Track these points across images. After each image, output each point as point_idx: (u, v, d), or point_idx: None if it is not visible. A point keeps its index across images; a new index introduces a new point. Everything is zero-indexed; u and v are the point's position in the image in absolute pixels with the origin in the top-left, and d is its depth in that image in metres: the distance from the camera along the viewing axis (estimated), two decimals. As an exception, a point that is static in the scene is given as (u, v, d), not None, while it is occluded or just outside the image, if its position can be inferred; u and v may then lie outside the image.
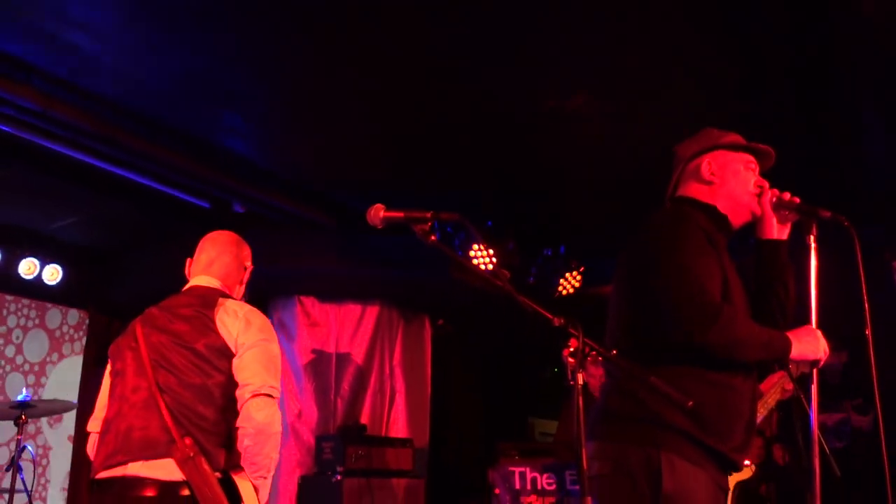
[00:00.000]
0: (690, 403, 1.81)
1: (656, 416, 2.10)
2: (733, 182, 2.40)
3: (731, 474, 2.25)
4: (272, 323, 6.35)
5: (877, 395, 2.32)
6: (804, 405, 3.65)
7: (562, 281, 5.71)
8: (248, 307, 2.57)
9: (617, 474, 2.11)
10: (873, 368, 2.29)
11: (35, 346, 5.73)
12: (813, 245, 2.33)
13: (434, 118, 4.11)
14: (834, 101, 3.88)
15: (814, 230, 2.33)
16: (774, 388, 4.05)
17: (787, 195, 2.38)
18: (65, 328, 5.92)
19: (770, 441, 5.19)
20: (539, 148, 4.43)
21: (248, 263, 2.82)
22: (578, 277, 5.68)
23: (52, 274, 5.45)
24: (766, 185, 2.43)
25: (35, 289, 5.50)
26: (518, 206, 5.26)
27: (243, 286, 2.76)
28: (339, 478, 5.16)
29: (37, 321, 5.73)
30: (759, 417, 3.86)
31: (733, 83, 3.69)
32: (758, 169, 2.47)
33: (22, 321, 5.65)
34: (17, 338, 5.63)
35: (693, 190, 2.43)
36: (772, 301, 2.38)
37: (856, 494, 4.55)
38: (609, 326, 2.35)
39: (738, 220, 2.41)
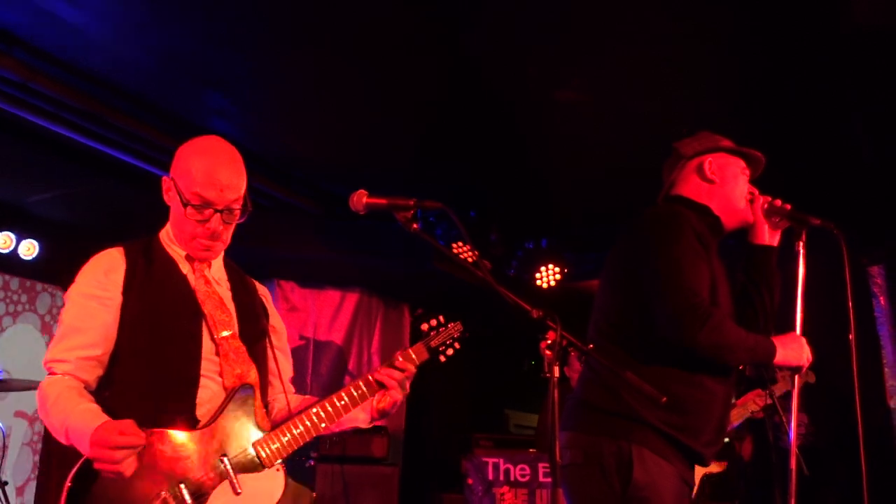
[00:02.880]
0: (664, 399, 1.83)
1: (630, 410, 2.14)
2: (732, 185, 2.44)
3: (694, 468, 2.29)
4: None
5: (857, 400, 2.35)
6: (778, 407, 3.71)
7: (541, 274, 5.73)
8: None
9: (588, 464, 2.15)
10: (855, 373, 2.33)
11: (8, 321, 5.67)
12: (802, 251, 2.36)
13: (421, 107, 4.10)
14: (814, 107, 3.92)
15: (803, 237, 2.36)
16: (746, 404, 4.11)
17: (779, 202, 2.41)
18: (39, 302, 5.86)
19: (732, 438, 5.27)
20: (524, 141, 4.44)
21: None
22: (558, 271, 5.70)
23: (29, 248, 5.39)
24: (756, 192, 2.47)
25: (10, 263, 5.43)
26: (502, 198, 5.27)
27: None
28: (312, 463, 5.16)
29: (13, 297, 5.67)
30: (730, 426, 3.93)
31: (718, 80, 3.71)
32: (749, 175, 2.50)
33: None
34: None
35: (692, 188, 2.45)
36: (756, 305, 2.42)
37: (821, 492, 4.63)
38: (594, 318, 2.37)
39: (730, 223, 2.45)
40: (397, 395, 2.12)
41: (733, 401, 4.05)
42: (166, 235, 2.08)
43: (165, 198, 2.05)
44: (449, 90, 3.93)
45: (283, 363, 2.18)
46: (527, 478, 5.09)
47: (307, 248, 5.44)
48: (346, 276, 6.06)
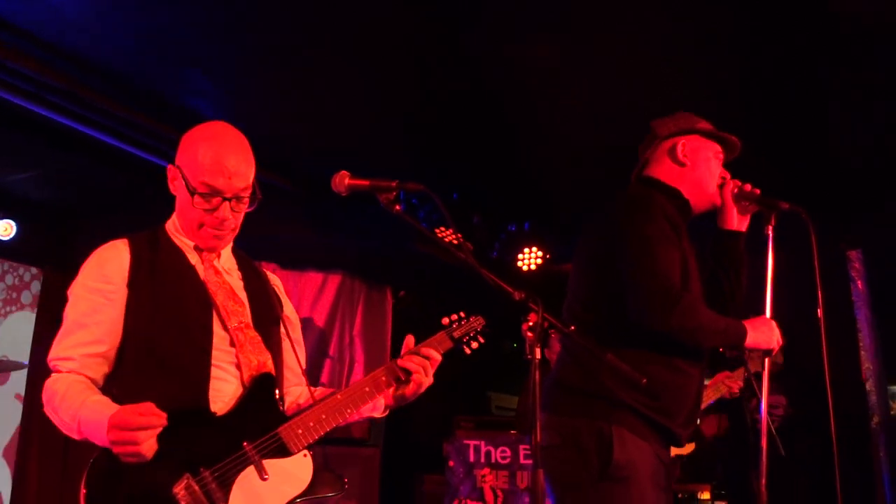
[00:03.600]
0: (644, 381, 1.86)
1: (609, 392, 2.17)
2: (703, 168, 2.46)
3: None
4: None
5: (827, 381, 2.39)
6: (755, 389, 3.77)
7: (523, 256, 5.74)
8: None
9: (567, 445, 2.18)
10: (825, 354, 2.36)
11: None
12: (771, 235, 2.39)
13: (405, 89, 4.08)
14: (794, 91, 3.94)
15: (773, 221, 2.39)
16: (717, 386, 4.18)
17: (748, 186, 2.44)
18: (17, 284, 5.80)
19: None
20: (508, 125, 4.43)
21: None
22: (540, 254, 5.72)
23: (6, 229, 5.33)
24: (728, 176, 2.50)
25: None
26: (484, 181, 5.27)
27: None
28: (294, 445, 5.17)
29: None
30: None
31: (698, 61, 3.72)
32: (723, 159, 2.52)
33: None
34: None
35: (663, 169, 2.47)
36: (724, 289, 2.46)
37: (794, 472, 4.71)
38: (569, 302, 2.39)
39: (698, 206, 2.47)
40: (423, 381, 2.09)
41: (705, 382, 4.12)
42: (173, 226, 2.03)
43: (171, 187, 2.00)
44: (432, 73, 3.91)
45: (299, 353, 2.15)
46: (507, 459, 5.14)
47: (289, 230, 5.42)
48: (328, 258, 6.04)
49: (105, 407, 1.71)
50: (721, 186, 2.47)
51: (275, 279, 2.24)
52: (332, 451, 5.34)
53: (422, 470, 5.99)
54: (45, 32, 3.57)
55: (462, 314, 2.29)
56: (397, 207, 1.88)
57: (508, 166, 5.02)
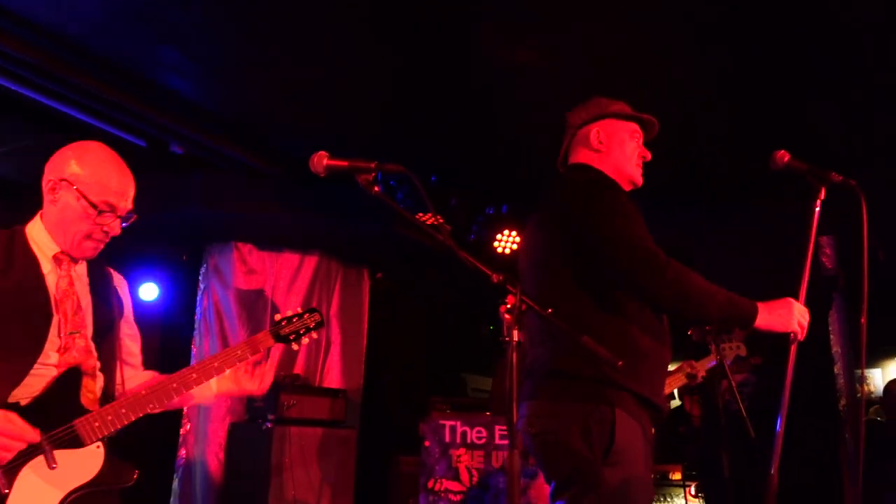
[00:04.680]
0: (620, 363, 1.86)
1: (604, 374, 2.17)
2: (618, 151, 2.49)
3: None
4: (208, 268, 6.26)
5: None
6: (727, 372, 3.81)
7: (500, 239, 5.75)
8: None
9: (567, 431, 2.17)
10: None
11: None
12: (818, 210, 2.37)
13: (383, 70, 4.05)
14: (776, 76, 3.96)
15: (822, 195, 2.37)
16: (678, 374, 4.21)
17: (796, 160, 2.40)
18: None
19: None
20: (486, 107, 4.42)
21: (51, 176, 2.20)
22: (517, 236, 5.73)
23: (-25, 206, 5.23)
24: (649, 154, 2.51)
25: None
26: (463, 163, 5.26)
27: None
28: (269, 425, 5.16)
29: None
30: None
31: (682, 43, 3.73)
32: (642, 138, 2.54)
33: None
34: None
35: (583, 157, 2.51)
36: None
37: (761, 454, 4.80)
38: (534, 288, 2.37)
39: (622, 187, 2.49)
40: (245, 386, 2.34)
41: (669, 368, 4.15)
42: (37, 231, 2.16)
43: (49, 197, 2.15)
44: (412, 56, 3.88)
45: (132, 348, 2.37)
46: (483, 440, 5.17)
47: (265, 210, 5.38)
48: (305, 238, 6.01)
49: None
50: (640, 165, 2.47)
51: (119, 280, 2.39)
52: (307, 432, 5.35)
53: (398, 451, 6.01)
54: (18, 6, 3.49)
55: (298, 311, 2.44)
56: (376, 188, 1.86)
57: (487, 149, 5.02)
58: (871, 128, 4.46)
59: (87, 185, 2.12)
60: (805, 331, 2.23)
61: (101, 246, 2.20)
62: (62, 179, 2.13)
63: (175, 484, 5.55)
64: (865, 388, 8.56)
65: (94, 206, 2.12)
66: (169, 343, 6.15)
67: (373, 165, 1.86)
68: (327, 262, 6.26)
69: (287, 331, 2.41)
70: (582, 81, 4.01)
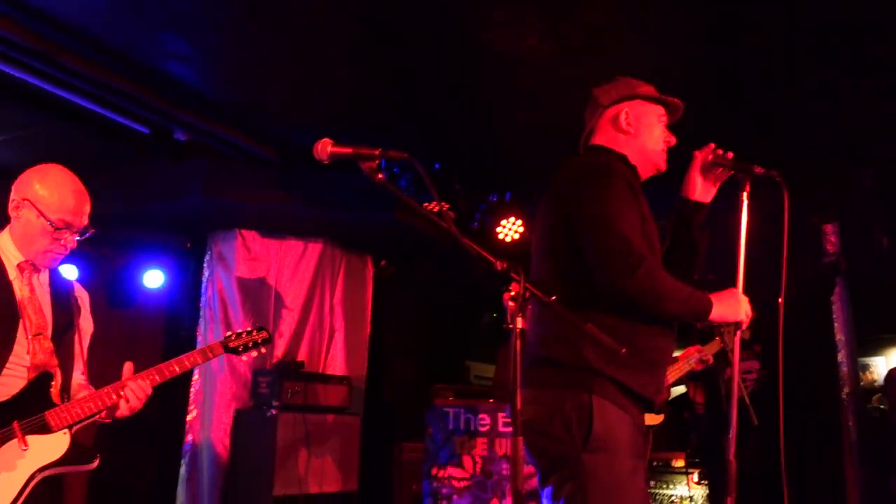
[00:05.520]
0: (624, 350, 1.87)
1: (587, 363, 2.18)
2: (646, 135, 2.45)
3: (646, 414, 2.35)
4: (212, 256, 6.29)
5: (780, 347, 2.41)
6: (729, 358, 3.82)
7: (503, 226, 5.75)
8: None
9: (551, 418, 2.18)
10: (780, 323, 2.38)
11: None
12: (745, 202, 2.38)
13: (385, 58, 4.03)
14: (769, 62, 3.94)
15: (747, 187, 2.38)
16: (689, 359, 4.22)
17: (721, 151, 2.42)
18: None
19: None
20: (488, 92, 4.41)
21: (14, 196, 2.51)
22: (520, 224, 5.73)
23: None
24: (674, 139, 2.49)
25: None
26: (466, 150, 5.25)
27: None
28: (274, 412, 5.19)
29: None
30: (668, 381, 4.02)
31: (682, 32, 3.72)
32: (667, 122, 2.52)
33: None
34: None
35: (609, 138, 2.47)
36: (682, 258, 2.46)
37: (767, 441, 4.81)
38: (536, 272, 2.38)
39: (644, 172, 2.47)
40: (134, 406, 2.48)
41: (675, 355, 4.15)
42: (5, 242, 2.46)
43: (14, 214, 2.45)
44: (414, 43, 3.87)
45: (83, 355, 2.62)
46: (486, 427, 5.19)
47: (269, 198, 5.38)
48: (309, 226, 6.01)
49: None
50: (665, 150, 2.45)
51: (80, 294, 2.67)
52: (312, 418, 5.38)
53: (401, 438, 6.04)
54: (19, -8, 3.49)
55: (248, 328, 2.84)
56: (380, 176, 1.86)
57: (490, 136, 5.01)
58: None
59: (45, 204, 2.41)
60: (749, 320, 2.33)
61: (61, 257, 2.50)
62: (24, 199, 2.44)
63: (182, 469, 5.58)
64: (868, 375, 8.56)
65: (51, 223, 2.41)
66: (174, 330, 6.18)
67: (377, 152, 1.85)
68: (331, 250, 6.26)
69: (235, 344, 2.78)
70: (586, 67, 3.99)
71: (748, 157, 2.43)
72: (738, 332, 2.40)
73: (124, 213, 5.56)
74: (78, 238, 2.49)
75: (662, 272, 2.21)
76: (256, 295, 5.85)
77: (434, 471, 5.21)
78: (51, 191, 2.43)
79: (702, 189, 2.46)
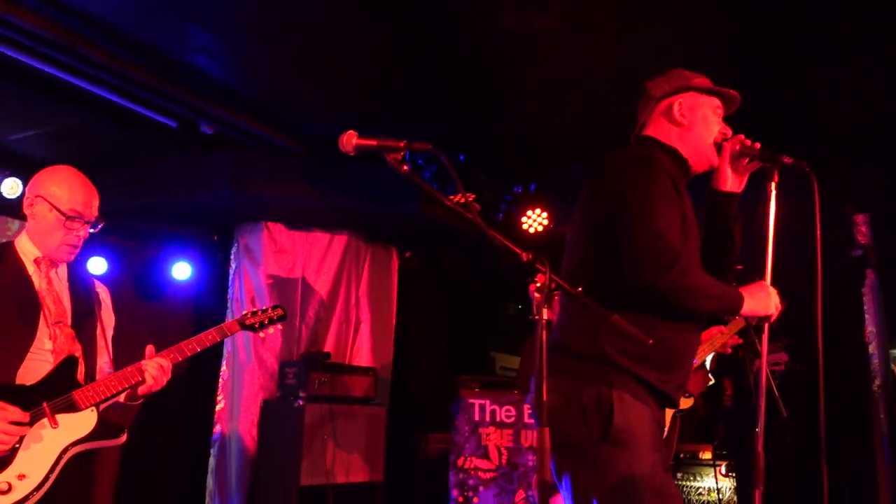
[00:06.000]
0: (651, 342, 1.86)
1: (608, 356, 2.17)
2: (701, 127, 2.40)
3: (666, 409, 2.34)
4: (239, 248, 6.34)
5: (820, 342, 2.38)
6: (757, 349, 3.78)
7: (528, 217, 5.73)
8: None
9: (569, 407, 2.18)
10: (819, 315, 2.35)
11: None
12: (773, 192, 2.35)
13: (409, 48, 4.03)
14: (794, 48, 3.88)
15: (775, 177, 2.34)
16: (712, 340, 4.19)
17: (749, 141, 2.39)
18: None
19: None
20: (513, 83, 4.38)
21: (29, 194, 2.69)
22: (545, 215, 5.71)
23: (12, 187, 5.33)
24: (730, 131, 2.44)
25: (-6, 202, 5.38)
26: (491, 141, 5.23)
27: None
28: (300, 403, 5.23)
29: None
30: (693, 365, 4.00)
31: (704, 19, 3.66)
32: (722, 114, 2.47)
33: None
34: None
35: (661, 130, 2.43)
36: (717, 251, 2.43)
37: (792, 431, 4.76)
38: (569, 263, 2.38)
39: (698, 166, 2.43)
40: (155, 384, 2.61)
41: None
42: (23, 241, 2.64)
43: (28, 211, 2.64)
44: (438, 33, 3.85)
45: (108, 346, 2.77)
46: (512, 418, 5.20)
47: (295, 190, 5.41)
48: (334, 218, 6.04)
49: None
50: (719, 144, 2.40)
51: (101, 289, 2.83)
52: (338, 409, 5.42)
53: (427, 428, 6.07)
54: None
55: (265, 308, 3.00)
56: (405, 167, 1.86)
57: (514, 127, 4.99)
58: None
59: (56, 198, 2.60)
60: (779, 313, 2.31)
61: (76, 250, 2.66)
62: (37, 196, 2.63)
63: (211, 459, 5.66)
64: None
65: (63, 214, 2.59)
66: (202, 322, 6.25)
67: (402, 144, 1.86)
68: (356, 242, 6.29)
69: (251, 321, 2.95)
70: (610, 59, 3.96)
71: (779, 145, 2.40)
72: (767, 325, 2.37)
73: (152, 206, 5.63)
74: (91, 230, 2.66)
75: (697, 269, 2.18)
76: (283, 287, 5.90)
77: (460, 462, 5.22)
78: (60, 185, 2.62)
79: (733, 180, 2.43)
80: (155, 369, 2.58)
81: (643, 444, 2.16)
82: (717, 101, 2.45)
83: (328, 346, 5.99)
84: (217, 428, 5.69)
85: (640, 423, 2.17)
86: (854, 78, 4.13)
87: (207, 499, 5.62)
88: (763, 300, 2.28)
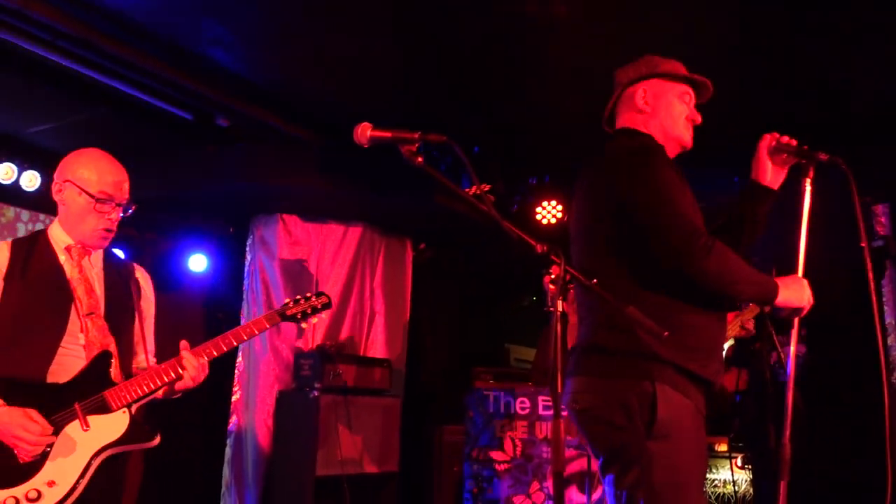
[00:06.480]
0: (666, 334, 1.84)
1: (648, 348, 2.15)
2: (664, 113, 2.40)
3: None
4: (254, 240, 6.36)
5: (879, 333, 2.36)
6: (774, 341, 3.75)
7: (543, 208, 5.72)
8: None
9: (609, 408, 2.16)
10: (876, 317, 2.34)
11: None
12: (808, 188, 2.33)
13: (424, 40, 4.02)
14: (815, 40, 3.83)
15: (811, 173, 2.33)
16: (732, 325, 4.17)
17: (785, 138, 2.37)
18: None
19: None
20: (528, 75, 4.36)
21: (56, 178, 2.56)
22: (560, 207, 5.69)
23: (31, 180, 5.37)
24: (699, 118, 2.43)
25: (12, 194, 5.42)
26: (505, 133, 5.22)
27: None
28: (316, 394, 5.26)
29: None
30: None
31: (718, 13, 3.63)
32: (693, 101, 2.46)
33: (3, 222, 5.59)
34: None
35: (629, 119, 2.43)
36: (740, 238, 2.41)
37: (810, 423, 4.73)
38: (578, 256, 2.36)
39: (671, 151, 2.42)
40: (193, 380, 2.49)
41: None
42: (55, 230, 2.53)
43: (58, 198, 2.52)
44: (453, 24, 3.84)
45: (147, 338, 2.65)
46: (527, 410, 5.19)
47: (310, 182, 5.42)
48: (349, 210, 6.05)
49: None
50: (690, 126, 2.41)
51: (140, 275, 2.69)
52: (353, 400, 5.44)
53: (441, 420, 6.08)
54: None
55: (308, 295, 2.71)
56: (419, 159, 1.86)
57: (529, 119, 4.97)
58: None
59: (85, 180, 2.48)
60: (810, 307, 2.30)
61: (110, 235, 2.53)
62: (66, 180, 2.50)
63: (227, 450, 5.70)
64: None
65: (93, 197, 2.46)
66: (218, 313, 6.29)
67: (416, 136, 1.85)
68: (371, 233, 6.30)
69: (293, 311, 2.67)
70: (625, 51, 3.92)
71: (794, 130, 2.38)
72: (797, 319, 2.34)
73: (168, 198, 5.66)
74: (122, 214, 2.52)
75: (732, 254, 2.16)
76: (298, 278, 5.92)
77: (475, 453, 5.23)
78: (89, 168, 2.50)
79: (772, 173, 2.41)
80: (194, 368, 2.44)
81: (686, 437, 2.16)
82: (684, 88, 2.44)
83: (343, 338, 6.01)
84: (233, 419, 5.73)
85: (684, 415, 2.16)
86: (870, 66, 4.08)
87: (223, 489, 5.67)
88: (798, 292, 2.26)
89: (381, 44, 4.10)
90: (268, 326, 2.58)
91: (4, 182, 5.25)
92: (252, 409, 5.65)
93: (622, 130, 2.45)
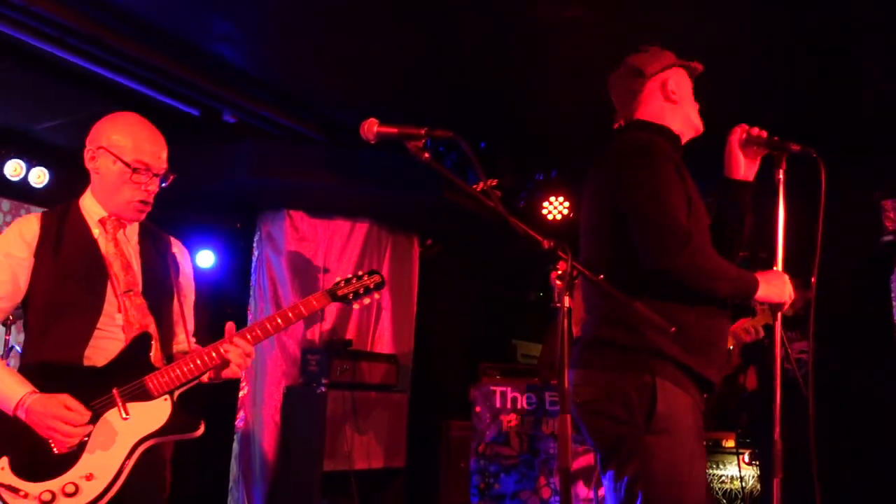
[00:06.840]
0: (673, 329, 1.84)
1: (650, 343, 2.15)
2: (688, 101, 2.44)
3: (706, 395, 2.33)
4: (261, 236, 6.33)
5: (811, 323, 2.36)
6: (784, 339, 3.74)
7: (549, 205, 5.71)
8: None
9: (612, 400, 2.16)
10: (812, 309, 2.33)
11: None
12: (781, 179, 2.32)
13: (430, 35, 4.02)
14: (826, 33, 3.81)
15: (783, 165, 2.31)
16: (738, 333, 4.16)
17: (755, 130, 2.36)
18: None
19: (737, 370, 5.35)
20: (534, 70, 4.36)
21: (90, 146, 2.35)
22: (566, 203, 5.68)
23: (39, 176, 5.40)
24: (697, 107, 2.47)
25: (21, 191, 5.45)
26: (512, 129, 5.21)
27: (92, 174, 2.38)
28: (323, 390, 5.27)
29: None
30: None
31: (724, 8, 3.62)
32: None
33: (9, 220, 5.63)
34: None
35: (656, 109, 2.43)
36: (727, 236, 2.41)
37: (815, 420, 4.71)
38: (587, 252, 2.36)
39: (686, 138, 2.44)
40: (238, 367, 2.34)
41: None
42: (87, 201, 2.34)
43: (91, 166, 2.32)
44: (459, 21, 3.84)
45: (187, 317, 2.49)
46: (533, 406, 5.19)
47: (316, 178, 5.42)
48: (356, 205, 6.05)
49: (18, 386, 2.10)
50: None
51: (178, 249, 2.51)
52: (360, 395, 5.45)
53: (448, 415, 6.08)
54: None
55: (360, 273, 2.54)
56: (426, 155, 1.86)
57: (535, 115, 4.96)
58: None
59: (120, 148, 2.28)
60: (790, 302, 2.29)
61: (147, 207, 2.34)
62: (99, 147, 2.31)
63: (235, 445, 5.72)
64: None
65: (129, 165, 2.27)
66: (225, 309, 6.30)
67: (422, 132, 1.85)
68: (378, 229, 6.30)
69: (344, 291, 2.49)
70: (632, 40, 3.91)
71: (805, 132, 2.36)
72: (780, 314, 2.34)
73: (175, 194, 5.63)
74: (162, 183, 2.34)
75: (711, 250, 2.18)
76: (305, 274, 5.93)
77: (481, 448, 5.24)
78: (124, 134, 2.30)
79: (745, 167, 2.41)
80: (238, 356, 2.27)
81: (685, 432, 2.16)
82: (687, 75, 2.49)
83: (350, 334, 6.02)
84: (240, 414, 5.75)
85: (683, 410, 2.17)
86: (883, 60, 4.05)
87: (231, 484, 5.70)
88: (778, 287, 2.26)
89: (388, 41, 4.10)
90: (317, 307, 2.40)
91: (13, 178, 5.27)
92: (259, 405, 5.66)
93: (636, 123, 2.45)
